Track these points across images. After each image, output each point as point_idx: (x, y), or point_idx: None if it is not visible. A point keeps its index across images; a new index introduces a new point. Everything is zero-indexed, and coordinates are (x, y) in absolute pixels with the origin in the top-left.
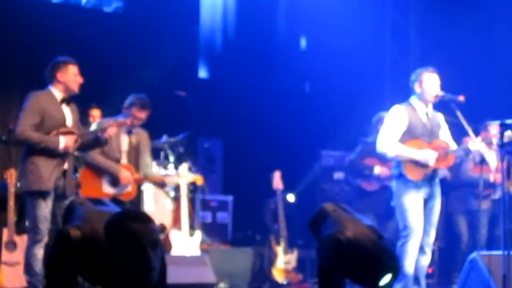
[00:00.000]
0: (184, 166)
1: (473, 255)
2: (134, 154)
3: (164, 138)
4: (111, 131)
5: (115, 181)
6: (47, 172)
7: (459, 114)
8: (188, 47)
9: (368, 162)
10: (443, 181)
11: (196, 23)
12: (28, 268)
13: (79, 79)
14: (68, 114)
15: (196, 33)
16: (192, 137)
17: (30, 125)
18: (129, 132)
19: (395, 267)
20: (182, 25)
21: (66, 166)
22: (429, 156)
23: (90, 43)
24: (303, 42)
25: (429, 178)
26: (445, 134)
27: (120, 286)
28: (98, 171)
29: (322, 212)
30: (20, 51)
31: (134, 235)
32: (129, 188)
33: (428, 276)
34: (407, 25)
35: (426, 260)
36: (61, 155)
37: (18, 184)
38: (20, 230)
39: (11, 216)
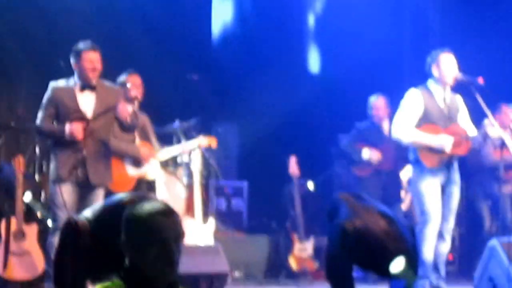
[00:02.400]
0: (197, 152)
1: (492, 242)
2: (142, 136)
3: (177, 123)
4: (121, 109)
5: (136, 161)
6: (61, 162)
7: (478, 97)
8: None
9: (360, 147)
10: (462, 166)
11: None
12: (46, 257)
13: (96, 66)
14: (90, 100)
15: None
16: (205, 122)
17: (44, 117)
18: None
19: (406, 250)
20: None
21: (85, 153)
22: (444, 142)
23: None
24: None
25: (446, 164)
26: (464, 118)
27: (139, 281)
28: (118, 156)
29: (335, 201)
30: (30, 38)
31: (157, 228)
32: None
33: (448, 263)
34: (427, 7)
35: (445, 247)
36: (75, 143)
37: None
38: (28, 219)
39: (20, 204)
